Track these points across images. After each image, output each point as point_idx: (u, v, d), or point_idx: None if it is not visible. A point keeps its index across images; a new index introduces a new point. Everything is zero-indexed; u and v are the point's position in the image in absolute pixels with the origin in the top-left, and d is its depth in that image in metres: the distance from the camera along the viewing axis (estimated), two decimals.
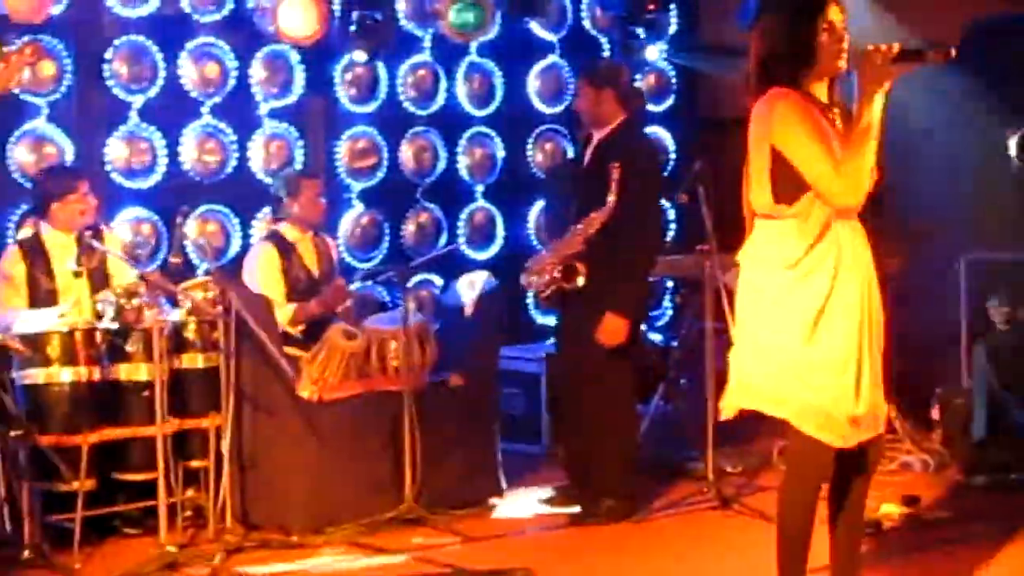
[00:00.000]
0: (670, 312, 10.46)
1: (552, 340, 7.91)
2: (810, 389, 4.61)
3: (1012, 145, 6.60)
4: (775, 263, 4.66)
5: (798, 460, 4.81)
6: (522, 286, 7.24)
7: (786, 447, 5.05)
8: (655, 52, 10.24)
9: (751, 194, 4.74)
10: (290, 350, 6.91)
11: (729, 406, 4.81)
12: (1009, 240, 8.71)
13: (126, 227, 8.09)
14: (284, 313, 7.21)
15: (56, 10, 7.72)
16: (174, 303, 6.90)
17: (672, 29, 10.37)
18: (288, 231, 7.48)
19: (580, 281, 6.91)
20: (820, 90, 4.69)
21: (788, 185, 4.59)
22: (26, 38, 6.84)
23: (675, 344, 9.22)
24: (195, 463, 6.77)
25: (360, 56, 8.68)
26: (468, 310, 7.47)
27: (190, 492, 6.83)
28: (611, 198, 6.78)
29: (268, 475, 6.80)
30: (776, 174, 4.61)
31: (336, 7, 8.59)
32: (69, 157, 7.87)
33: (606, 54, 10.16)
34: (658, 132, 10.37)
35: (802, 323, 4.60)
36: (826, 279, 4.59)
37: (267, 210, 8.44)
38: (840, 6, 4.68)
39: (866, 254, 4.73)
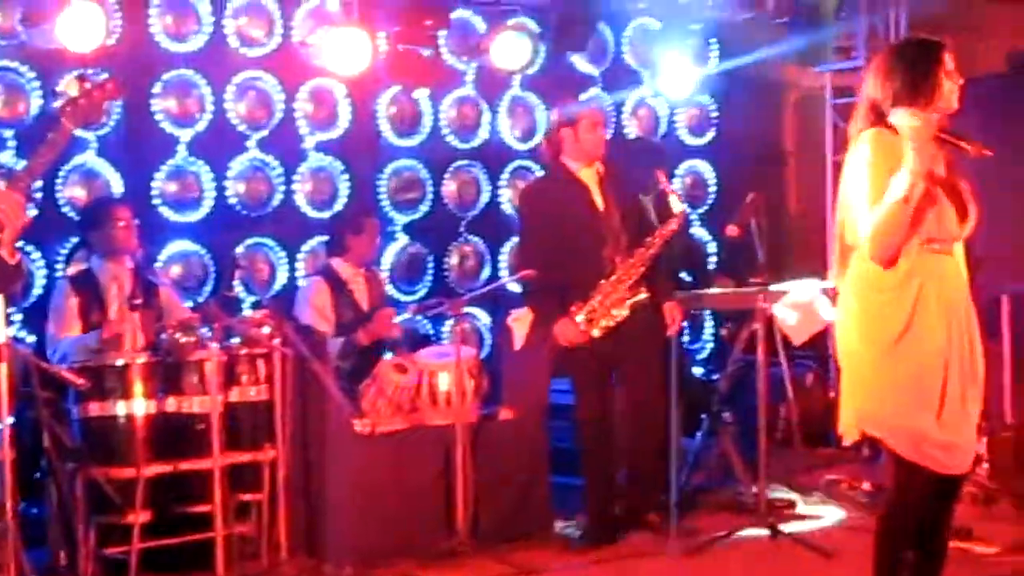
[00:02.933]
0: (711, 345, 10.45)
1: None
2: (899, 412, 4.71)
3: None
4: (866, 289, 4.77)
5: (897, 484, 4.86)
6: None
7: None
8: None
9: (845, 227, 4.85)
10: (342, 384, 6.92)
11: (847, 431, 4.88)
12: None
13: (174, 261, 8.12)
14: (333, 346, 7.22)
15: (106, 43, 7.77)
16: (228, 336, 6.91)
17: (713, 64, 10.38)
18: (341, 267, 7.50)
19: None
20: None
21: None
22: (86, 71, 6.85)
23: (717, 378, 9.20)
24: (249, 496, 6.77)
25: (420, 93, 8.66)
26: (518, 344, 7.47)
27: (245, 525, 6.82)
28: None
29: (322, 508, 6.79)
30: None
31: (381, 41, 8.61)
32: (118, 191, 7.91)
33: (646, 88, 10.17)
34: (699, 165, 10.40)
35: (884, 346, 4.72)
36: (907, 307, 4.69)
37: (313, 243, 8.49)
38: (952, 51, 4.85)
39: (959, 286, 4.83)
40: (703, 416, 8.59)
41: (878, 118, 4.79)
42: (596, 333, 7.09)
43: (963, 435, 4.78)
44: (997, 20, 11.49)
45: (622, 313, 7.11)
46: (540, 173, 8.80)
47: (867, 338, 4.78)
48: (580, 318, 7.06)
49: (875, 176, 4.67)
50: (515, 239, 9.50)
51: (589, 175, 7.23)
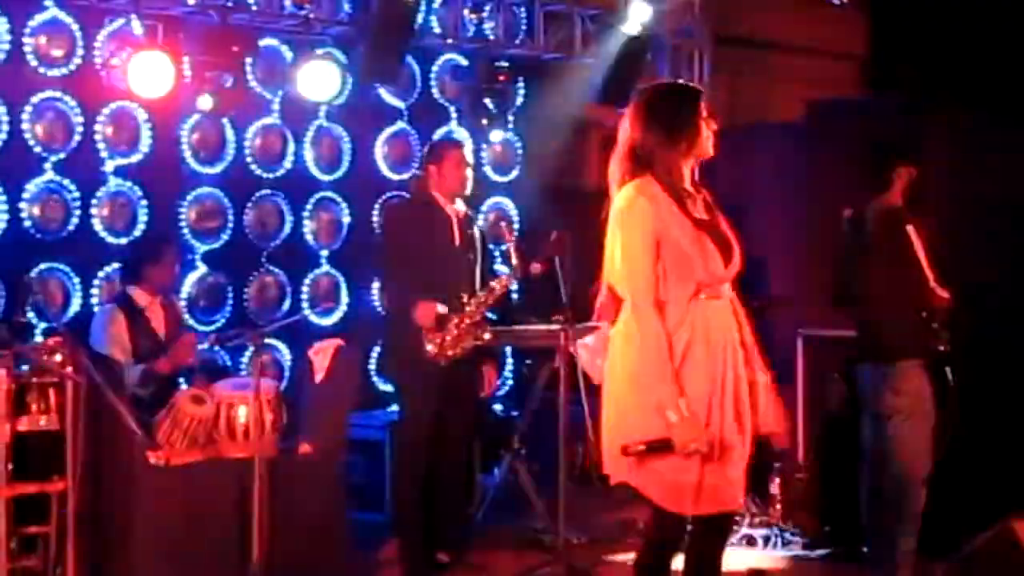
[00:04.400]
0: (511, 382, 10.45)
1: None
2: (657, 459, 4.73)
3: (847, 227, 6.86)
4: (633, 342, 4.81)
5: (650, 530, 4.96)
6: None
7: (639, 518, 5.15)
8: (498, 134, 10.29)
9: (613, 278, 4.91)
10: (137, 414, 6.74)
11: (611, 474, 4.92)
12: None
13: None
14: (132, 374, 7.05)
15: None
16: (18, 363, 6.68)
17: (519, 101, 10.42)
18: (137, 295, 7.34)
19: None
20: (686, 172, 4.91)
21: None
22: None
23: (517, 414, 9.21)
24: (36, 528, 6.54)
25: (205, 103, 8.51)
26: (318, 376, 7.38)
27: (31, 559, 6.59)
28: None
29: (113, 542, 6.61)
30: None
31: (186, 66, 8.45)
32: None
33: (453, 123, 10.18)
34: (504, 202, 10.44)
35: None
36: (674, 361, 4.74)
37: (109, 269, 8.30)
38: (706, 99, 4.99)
39: (726, 327, 4.89)
40: (502, 452, 8.62)
41: (638, 164, 4.86)
42: (442, 362, 7.27)
43: (729, 474, 4.82)
44: (793, 68, 11.82)
45: (466, 348, 7.32)
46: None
47: (634, 388, 4.80)
48: (430, 347, 7.25)
49: (646, 240, 4.74)
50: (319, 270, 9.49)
51: (451, 211, 7.56)
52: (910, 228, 6.50)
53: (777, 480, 8.38)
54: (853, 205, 6.94)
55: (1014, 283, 8.41)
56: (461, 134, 10.06)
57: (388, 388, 9.00)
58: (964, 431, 6.80)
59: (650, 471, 4.76)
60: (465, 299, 7.39)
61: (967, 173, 8.71)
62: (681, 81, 5.14)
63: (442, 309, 7.26)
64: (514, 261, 7.39)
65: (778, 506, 8.33)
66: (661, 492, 4.79)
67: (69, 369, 6.30)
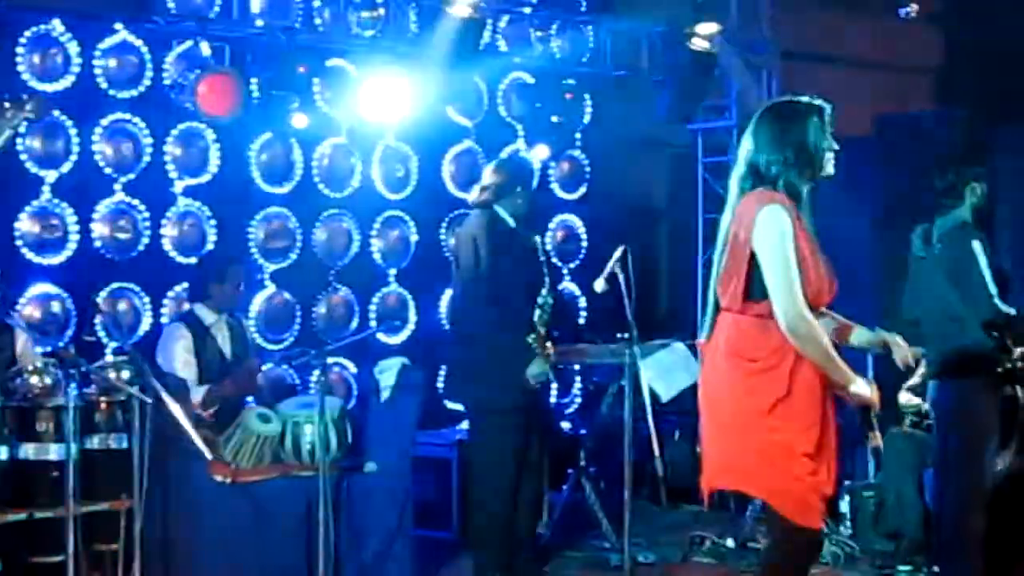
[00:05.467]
0: (579, 400, 10.44)
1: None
2: (783, 475, 4.73)
3: (916, 241, 6.79)
4: (739, 355, 4.80)
5: (783, 547, 4.89)
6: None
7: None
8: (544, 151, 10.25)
9: (721, 288, 4.88)
10: (203, 432, 6.78)
11: (707, 485, 4.92)
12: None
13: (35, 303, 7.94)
14: (196, 395, 7.10)
15: None
16: (87, 382, 6.74)
17: (586, 119, 10.42)
18: (203, 312, 7.38)
19: None
20: (804, 192, 4.87)
21: (760, 285, 4.75)
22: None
23: (585, 433, 9.19)
24: (103, 546, 6.59)
25: (300, 121, 8.63)
26: (384, 395, 7.39)
27: None
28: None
29: (179, 560, 6.64)
30: (751, 273, 4.76)
31: (254, 86, 8.52)
32: None
33: (520, 141, 10.19)
34: (571, 219, 10.43)
35: (760, 413, 4.73)
36: (784, 376, 4.71)
37: (179, 288, 8.36)
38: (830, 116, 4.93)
39: None
40: (570, 471, 8.59)
41: (761, 181, 4.82)
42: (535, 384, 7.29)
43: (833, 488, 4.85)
44: (864, 82, 11.72)
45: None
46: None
47: (740, 403, 4.78)
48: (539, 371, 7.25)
49: (791, 247, 4.70)
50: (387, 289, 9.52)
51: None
52: (976, 243, 6.41)
53: (848, 498, 8.32)
54: (923, 220, 6.87)
55: None
56: (529, 152, 10.08)
57: (457, 407, 9.00)
58: None
59: (778, 479, 4.75)
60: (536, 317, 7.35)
61: None
62: (804, 98, 4.98)
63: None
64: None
65: (848, 523, 8.26)
66: (795, 505, 4.76)
67: (135, 388, 6.35)
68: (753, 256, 4.74)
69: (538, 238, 7.60)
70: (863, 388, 4.78)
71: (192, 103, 8.20)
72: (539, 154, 8.92)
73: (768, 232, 4.72)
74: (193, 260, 8.49)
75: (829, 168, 4.90)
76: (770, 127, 4.88)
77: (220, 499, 6.68)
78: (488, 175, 7.47)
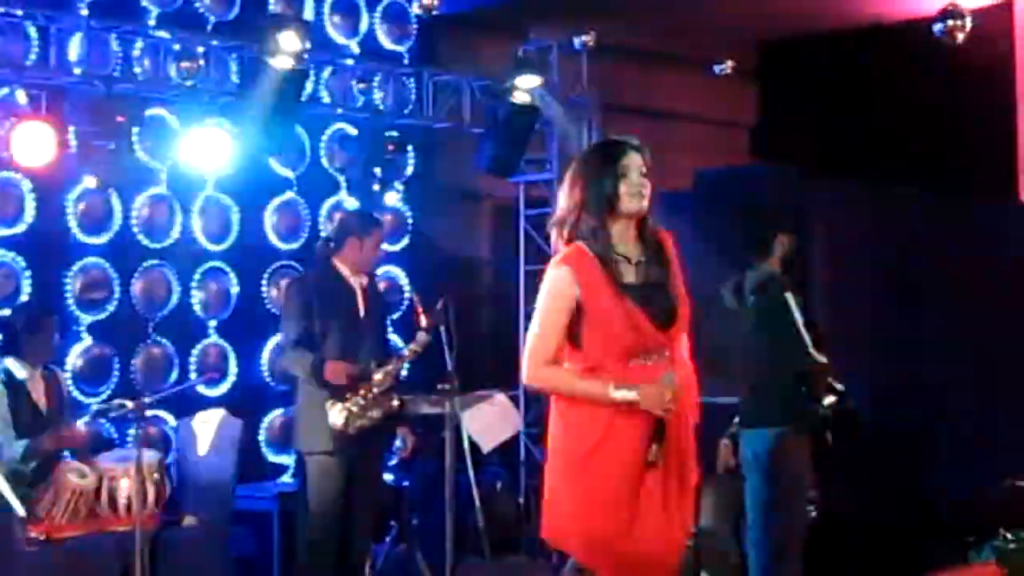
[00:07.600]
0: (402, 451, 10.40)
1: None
2: (589, 524, 4.73)
3: (725, 294, 6.93)
4: (560, 404, 4.85)
5: None
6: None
7: None
8: (393, 196, 10.34)
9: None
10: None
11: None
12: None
13: None
14: (15, 450, 6.95)
15: None
16: None
17: (409, 171, 10.47)
18: (16, 367, 7.24)
19: None
20: (615, 233, 4.80)
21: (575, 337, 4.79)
22: None
23: (407, 484, 9.18)
24: None
25: (91, 182, 8.49)
26: (203, 448, 7.33)
27: None
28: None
29: None
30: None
31: (72, 136, 8.40)
32: None
33: (343, 193, 10.19)
34: (393, 271, 10.44)
35: (572, 462, 4.77)
36: (601, 421, 4.72)
37: None
38: (640, 153, 4.85)
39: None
40: (391, 523, 8.58)
41: (568, 230, 4.82)
42: (351, 431, 7.25)
43: (660, 544, 4.78)
44: (682, 136, 11.98)
45: (374, 418, 7.33)
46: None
47: (560, 449, 4.83)
48: (337, 419, 7.23)
49: (553, 306, 4.76)
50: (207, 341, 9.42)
51: (356, 283, 7.59)
52: (788, 295, 6.58)
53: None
54: (735, 273, 7.03)
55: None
56: (351, 204, 10.08)
57: (282, 459, 8.96)
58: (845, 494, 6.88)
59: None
60: (373, 367, 7.40)
61: (849, 239, 8.87)
62: (614, 137, 4.93)
63: (352, 370, 7.29)
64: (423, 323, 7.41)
65: None
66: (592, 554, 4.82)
67: None
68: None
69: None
70: (628, 395, 4.66)
71: (7, 152, 8.06)
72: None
73: (539, 294, 4.84)
74: (6, 312, 8.33)
75: (631, 204, 4.77)
76: (571, 174, 4.89)
77: (35, 555, 6.54)
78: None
